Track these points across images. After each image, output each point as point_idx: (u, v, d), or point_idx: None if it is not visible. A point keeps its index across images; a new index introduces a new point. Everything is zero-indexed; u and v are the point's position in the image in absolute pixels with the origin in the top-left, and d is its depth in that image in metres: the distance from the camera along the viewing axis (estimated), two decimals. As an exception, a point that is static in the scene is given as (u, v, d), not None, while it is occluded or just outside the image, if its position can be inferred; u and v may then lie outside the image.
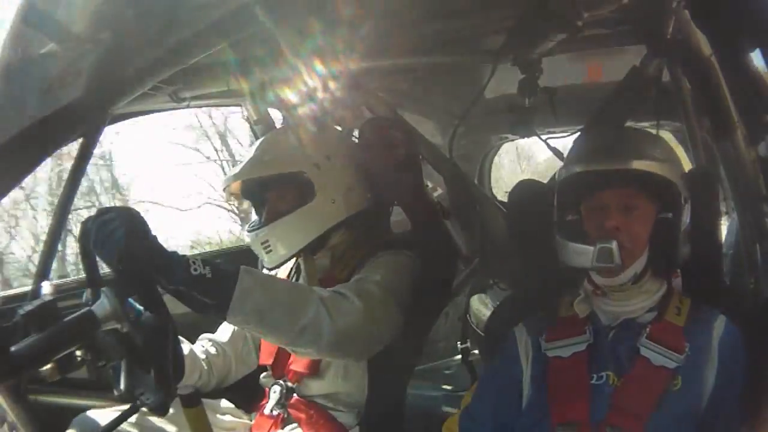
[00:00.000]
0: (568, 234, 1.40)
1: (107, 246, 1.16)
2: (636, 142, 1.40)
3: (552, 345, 1.40)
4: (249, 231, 1.76)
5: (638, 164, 1.33)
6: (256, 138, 2.44)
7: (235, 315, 1.29)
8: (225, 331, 1.88)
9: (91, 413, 1.59)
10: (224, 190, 1.80)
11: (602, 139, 1.45)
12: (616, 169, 1.34)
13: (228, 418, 1.80)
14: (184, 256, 1.26)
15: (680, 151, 2.05)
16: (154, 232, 1.23)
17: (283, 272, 1.89)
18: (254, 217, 1.85)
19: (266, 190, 1.76)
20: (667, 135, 2.45)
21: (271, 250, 1.71)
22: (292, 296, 1.40)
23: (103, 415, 1.58)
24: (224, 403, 1.84)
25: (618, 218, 1.33)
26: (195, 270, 1.24)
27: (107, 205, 1.49)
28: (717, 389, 1.25)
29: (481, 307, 2.81)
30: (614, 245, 1.30)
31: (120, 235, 1.16)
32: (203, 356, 1.79)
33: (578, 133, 1.62)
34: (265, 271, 1.88)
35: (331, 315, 1.40)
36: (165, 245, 1.24)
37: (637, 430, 1.24)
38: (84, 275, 1.27)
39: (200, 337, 1.88)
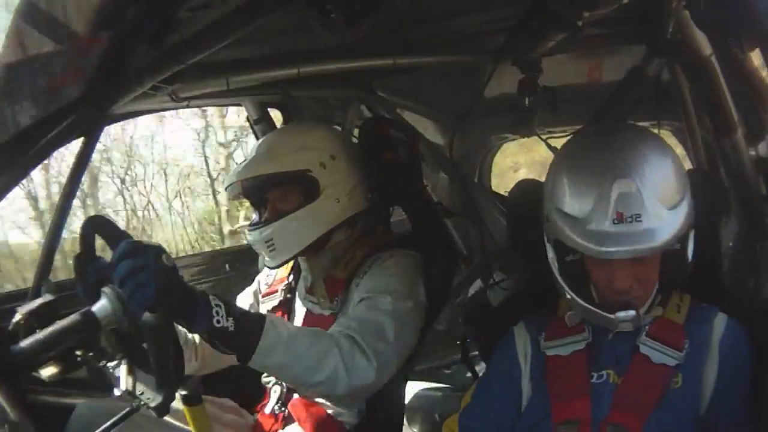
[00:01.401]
0: (572, 281, 1.32)
1: (136, 298, 1.15)
2: (646, 194, 1.19)
3: (551, 344, 1.40)
4: (251, 230, 1.74)
5: (653, 227, 1.19)
6: (257, 138, 2.44)
7: (254, 366, 1.36)
8: None
9: (90, 413, 1.59)
10: (227, 188, 1.79)
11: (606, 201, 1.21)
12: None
13: (230, 417, 1.79)
14: (207, 300, 1.24)
15: (680, 151, 2.05)
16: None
17: (283, 271, 1.89)
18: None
19: (269, 189, 1.74)
20: (667, 135, 2.45)
21: (275, 249, 1.70)
22: (312, 353, 1.42)
23: (103, 414, 1.58)
24: (226, 402, 1.84)
25: (628, 274, 1.25)
26: (218, 322, 1.25)
27: (133, 239, 1.43)
28: (719, 388, 1.25)
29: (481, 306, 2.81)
30: (634, 314, 1.25)
31: (151, 292, 1.15)
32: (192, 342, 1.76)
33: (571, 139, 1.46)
34: (266, 270, 1.88)
35: (348, 372, 1.44)
36: None
37: (639, 429, 1.23)
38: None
39: None
